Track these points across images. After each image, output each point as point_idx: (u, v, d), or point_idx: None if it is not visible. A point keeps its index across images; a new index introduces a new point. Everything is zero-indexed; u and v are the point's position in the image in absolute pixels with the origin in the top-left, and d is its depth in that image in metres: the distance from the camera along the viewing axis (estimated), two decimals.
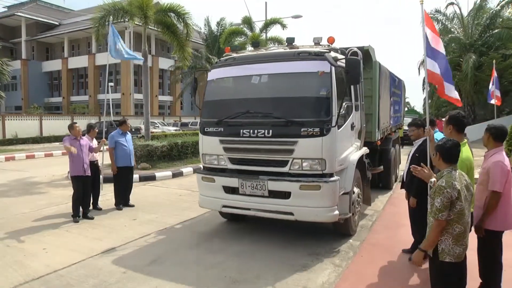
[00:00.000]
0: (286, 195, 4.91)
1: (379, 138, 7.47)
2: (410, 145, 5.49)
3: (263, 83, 5.37)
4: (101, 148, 7.47)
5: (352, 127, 5.55)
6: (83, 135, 7.23)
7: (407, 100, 65.31)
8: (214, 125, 5.39)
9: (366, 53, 6.73)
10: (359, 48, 5.86)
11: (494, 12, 22.80)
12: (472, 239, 3.19)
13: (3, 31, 42.36)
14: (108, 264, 4.70)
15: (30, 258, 4.90)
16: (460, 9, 24.30)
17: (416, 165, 3.52)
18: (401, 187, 5.18)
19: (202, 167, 5.78)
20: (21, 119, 26.23)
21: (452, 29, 24.59)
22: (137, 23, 14.42)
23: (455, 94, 5.10)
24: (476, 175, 3.61)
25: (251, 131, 4.98)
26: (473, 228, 3.42)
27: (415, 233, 4.74)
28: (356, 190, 5.62)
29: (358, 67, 4.82)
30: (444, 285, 2.93)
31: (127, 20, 14.08)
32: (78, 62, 40.95)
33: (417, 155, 4.65)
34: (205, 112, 5.74)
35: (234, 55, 5.85)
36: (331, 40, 5.33)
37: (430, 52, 4.71)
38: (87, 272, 4.45)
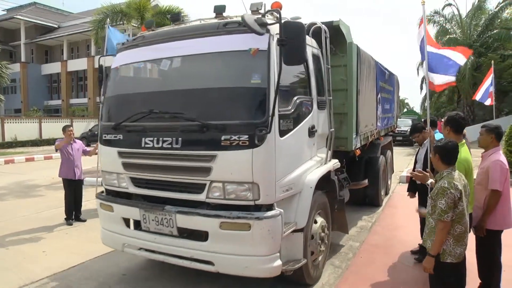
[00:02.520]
0: (203, 235, 3.46)
1: (359, 146, 5.80)
2: (406, 145, 5.44)
3: (176, 69, 3.96)
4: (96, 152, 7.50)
5: (312, 132, 4.07)
6: None
7: (406, 101, 64.75)
8: (112, 131, 3.95)
9: (337, 30, 4.99)
10: (325, 23, 4.55)
11: (493, 13, 22.85)
12: (471, 239, 3.20)
13: (2, 34, 42.36)
14: (108, 267, 4.70)
15: (30, 261, 4.91)
16: (458, 10, 24.37)
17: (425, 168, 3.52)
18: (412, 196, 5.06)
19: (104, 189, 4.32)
20: (21, 122, 26.24)
21: (450, 30, 24.64)
22: (134, 25, 14.47)
23: (448, 79, 4.94)
24: (474, 176, 3.62)
25: (155, 139, 3.56)
26: (471, 229, 3.43)
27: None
28: (319, 221, 4.12)
29: (301, 37, 3.20)
30: (444, 286, 2.93)
31: (125, 22, 14.14)
32: (78, 64, 40.92)
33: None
34: (105, 113, 4.29)
35: (146, 33, 4.24)
36: (276, 5, 3.43)
37: (428, 53, 4.75)
38: (87, 275, 4.45)
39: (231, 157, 3.27)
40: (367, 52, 6.19)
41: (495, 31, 22.37)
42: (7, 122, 24.94)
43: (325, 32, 4.46)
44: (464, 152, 3.39)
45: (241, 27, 3.39)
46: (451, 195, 2.70)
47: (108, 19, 11.39)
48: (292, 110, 3.68)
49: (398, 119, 21.54)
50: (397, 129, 18.36)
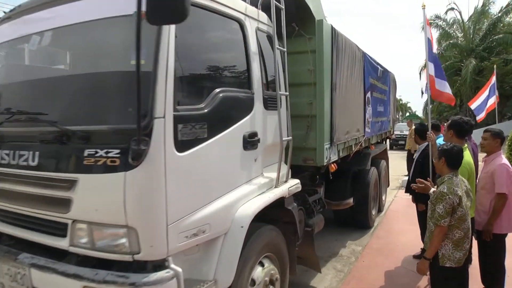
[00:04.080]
0: None
1: (336, 158, 4.44)
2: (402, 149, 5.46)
3: (45, 49, 2.89)
4: None
5: (251, 142, 2.81)
6: None
7: (408, 104, 64.19)
8: None
9: (301, 4, 3.75)
10: None
11: (496, 17, 22.91)
12: (474, 243, 3.20)
13: None
14: None
15: None
16: (460, 14, 24.44)
17: (419, 170, 3.49)
18: (406, 191, 5.19)
19: None
20: None
21: (452, 35, 24.70)
22: None
23: (448, 90, 5.37)
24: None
25: (12, 153, 2.47)
26: (473, 234, 3.42)
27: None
28: (264, 270, 2.87)
29: None
30: None
31: None
32: None
33: (420, 160, 4.69)
34: None
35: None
36: None
37: (432, 57, 4.83)
38: None
39: (96, 183, 2.11)
40: (352, 40, 4.92)
41: (499, 36, 22.38)
42: None
43: (279, 2, 3.18)
44: (466, 156, 3.39)
45: None
46: (449, 200, 2.72)
47: None
48: (206, 110, 2.42)
49: (401, 123, 21.47)
50: (399, 132, 18.30)
